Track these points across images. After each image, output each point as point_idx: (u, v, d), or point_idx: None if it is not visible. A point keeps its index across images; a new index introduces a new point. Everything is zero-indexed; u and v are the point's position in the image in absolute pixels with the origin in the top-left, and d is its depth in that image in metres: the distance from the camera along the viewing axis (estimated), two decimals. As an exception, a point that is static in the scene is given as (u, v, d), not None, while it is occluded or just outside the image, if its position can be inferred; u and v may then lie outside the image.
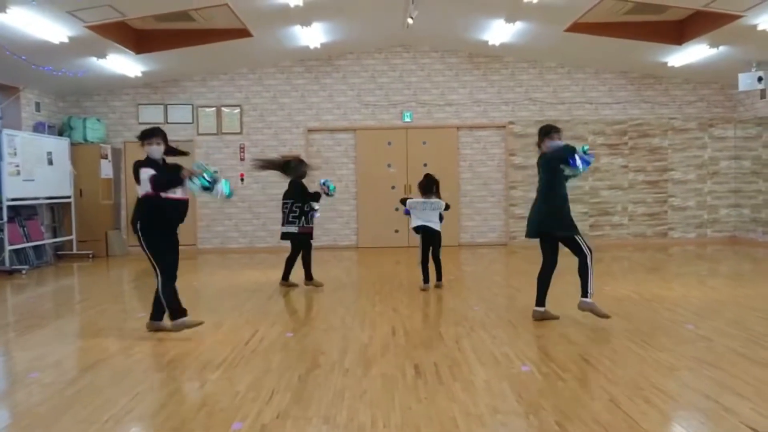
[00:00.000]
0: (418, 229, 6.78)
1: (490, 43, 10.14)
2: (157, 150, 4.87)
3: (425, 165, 11.39)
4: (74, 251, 10.50)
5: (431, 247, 6.77)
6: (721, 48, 9.00)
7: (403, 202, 7.00)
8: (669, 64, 10.25)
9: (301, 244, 7.03)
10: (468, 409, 3.21)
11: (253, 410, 3.23)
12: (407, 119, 11.37)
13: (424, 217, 6.74)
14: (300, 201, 6.95)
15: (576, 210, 11.14)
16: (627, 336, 4.64)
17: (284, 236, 7.06)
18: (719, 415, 3.08)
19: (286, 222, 6.99)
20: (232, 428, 3.00)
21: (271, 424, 3.04)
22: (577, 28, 8.89)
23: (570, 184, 11.29)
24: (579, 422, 2.99)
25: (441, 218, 6.85)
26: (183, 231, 12.15)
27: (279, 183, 11.28)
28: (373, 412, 3.17)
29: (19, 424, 3.17)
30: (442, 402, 3.31)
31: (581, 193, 11.30)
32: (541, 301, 5.23)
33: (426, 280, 6.71)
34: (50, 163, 9.94)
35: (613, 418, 3.04)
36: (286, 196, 7.06)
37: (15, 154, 9.03)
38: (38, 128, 10.20)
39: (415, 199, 6.88)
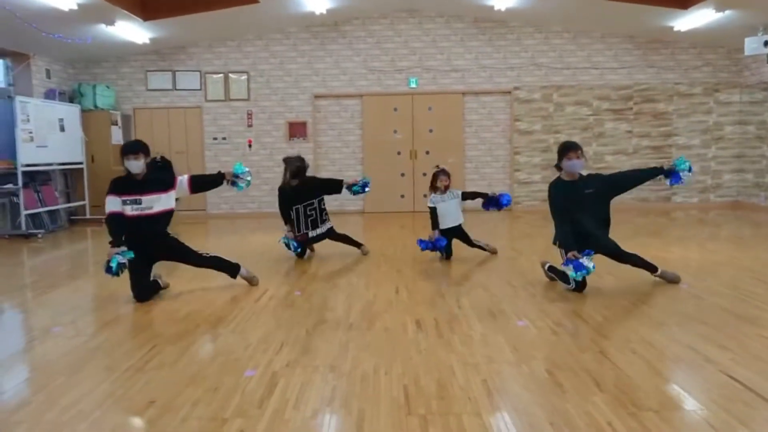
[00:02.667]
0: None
1: (495, 8, 10.14)
2: (135, 165, 4.96)
3: (431, 131, 11.53)
4: (87, 216, 10.75)
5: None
6: (727, 12, 8.98)
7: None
8: (675, 29, 10.23)
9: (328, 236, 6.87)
10: (465, 359, 3.42)
11: (264, 359, 3.46)
12: (413, 85, 11.44)
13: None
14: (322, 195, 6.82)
15: (580, 175, 11.30)
16: (621, 294, 4.83)
17: (316, 239, 6.78)
18: (700, 364, 3.28)
19: (321, 222, 6.72)
20: (246, 374, 3.23)
21: (281, 371, 3.27)
22: (582, -8, 8.89)
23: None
24: (568, 370, 3.20)
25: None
26: (193, 197, 12.30)
27: (285, 149, 11.50)
28: (375, 362, 3.39)
29: (45, 370, 3.41)
30: (441, 353, 3.53)
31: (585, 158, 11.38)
32: None
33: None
34: (62, 129, 10.12)
35: (600, 367, 3.25)
36: (306, 196, 6.71)
37: (28, 120, 9.21)
38: (49, 95, 10.36)
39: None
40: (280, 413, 2.76)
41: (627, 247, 5.18)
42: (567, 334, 3.83)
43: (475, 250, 6.74)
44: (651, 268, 5.11)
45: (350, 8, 10.69)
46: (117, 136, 11.17)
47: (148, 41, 10.41)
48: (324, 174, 11.53)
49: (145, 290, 4.95)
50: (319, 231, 6.78)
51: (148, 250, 4.98)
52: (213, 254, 5.35)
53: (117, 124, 11.19)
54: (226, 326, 4.19)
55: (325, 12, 10.26)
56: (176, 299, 5.01)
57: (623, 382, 3.04)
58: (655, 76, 11.34)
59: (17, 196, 9.13)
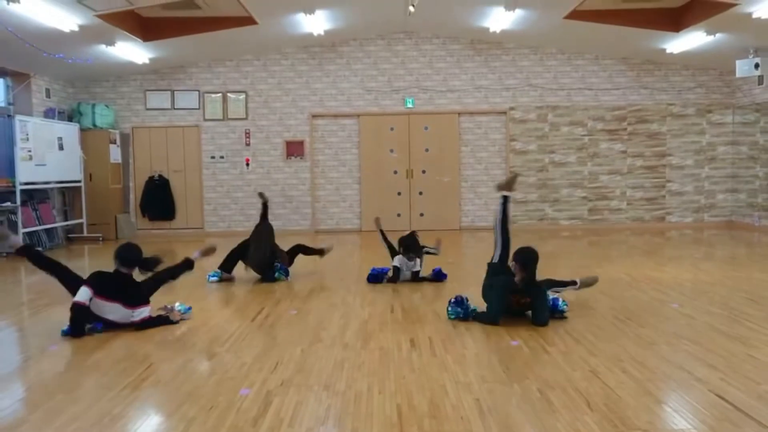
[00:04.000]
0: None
1: (490, 30, 10.29)
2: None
3: (427, 150, 11.63)
4: (85, 234, 10.78)
5: None
6: (718, 35, 9.13)
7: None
8: (668, 51, 10.39)
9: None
10: (458, 377, 3.46)
11: (259, 378, 3.50)
12: (409, 105, 11.56)
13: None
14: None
15: (575, 195, 11.49)
16: (613, 314, 4.88)
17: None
18: (690, 384, 3.33)
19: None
20: (240, 393, 3.26)
21: (275, 390, 3.30)
22: (576, 15, 9.03)
23: (569, 168, 11.42)
24: (559, 390, 3.24)
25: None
26: (190, 215, 12.26)
27: (282, 168, 11.60)
28: (369, 381, 3.43)
29: (42, 388, 3.44)
30: (434, 372, 3.57)
31: (580, 178, 11.50)
32: None
33: None
34: (61, 148, 10.19)
35: (590, 386, 3.29)
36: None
37: (27, 139, 9.28)
38: (49, 114, 10.44)
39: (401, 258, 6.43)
40: (275, 432, 2.79)
41: (621, 265, 5.22)
42: (559, 354, 3.88)
43: (466, 269, 6.79)
44: None
45: (347, 29, 10.83)
46: (115, 155, 11.25)
47: (147, 61, 10.52)
48: (321, 193, 11.63)
49: None
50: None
51: None
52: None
53: (115, 143, 11.27)
54: (221, 345, 4.22)
55: (322, 33, 10.40)
56: (173, 318, 5.04)
57: (613, 401, 3.08)
58: (649, 97, 11.48)
59: (15, 214, 9.17)
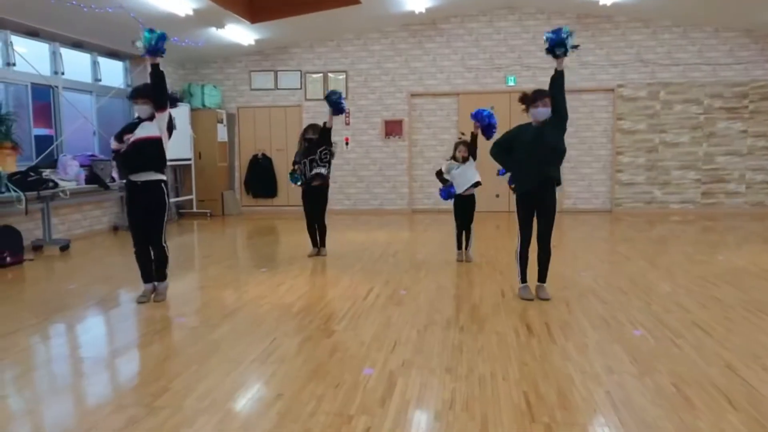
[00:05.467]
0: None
1: (600, 3, 9.82)
2: (143, 110, 5.02)
3: (528, 129, 11.33)
4: (194, 210, 11.31)
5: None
6: None
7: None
8: (799, 21, 9.56)
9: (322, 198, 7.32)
10: (583, 368, 3.36)
11: (380, 358, 3.54)
12: (511, 83, 11.27)
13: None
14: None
15: (687, 177, 10.84)
16: (742, 305, 4.59)
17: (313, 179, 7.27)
18: (844, 386, 3.07)
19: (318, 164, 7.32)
20: (364, 372, 3.32)
21: (397, 371, 3.33)
22: (697, -15, 8.47)
23: (682, 149, 10.82)
24: (696, 386, 3.07)
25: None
26: (291, 192, 12.50)
27: (380, 147, 11.65)
28: (491, 366, 3.39)
29: (178, 359, 3.63)
30: (557, 360, 3.48)
31: (694, 159, 10.85)
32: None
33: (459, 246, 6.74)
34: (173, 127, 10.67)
35: (730, 383, 3.10)
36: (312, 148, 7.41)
37: (144, 119, 9.77)
38: (162, 95, 10.95)
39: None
40: (403, 413, 2.82)
41: (742, 253, 4.90)
42: (689, 347, 3.68)
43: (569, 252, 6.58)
44: (541, 277, 4.98)
45: (449, 6, 10.66)
46: (222, 134, 11.68)
47: (253, 42, 10.81)
48: (418, 173, 11.62)
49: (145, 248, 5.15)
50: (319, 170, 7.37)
51: (138, 197, 5.10)
52: (167, 254, 5.20)
53: (222, 123, 11.69)
54: (338, 323, 4.30)
55: (424, 11, 10.29)
56: (287, 294, 5.20)
57: (757, 400, 2.89)
58: (774, 72, 10.63)
59: (134, 190, 9.72)
